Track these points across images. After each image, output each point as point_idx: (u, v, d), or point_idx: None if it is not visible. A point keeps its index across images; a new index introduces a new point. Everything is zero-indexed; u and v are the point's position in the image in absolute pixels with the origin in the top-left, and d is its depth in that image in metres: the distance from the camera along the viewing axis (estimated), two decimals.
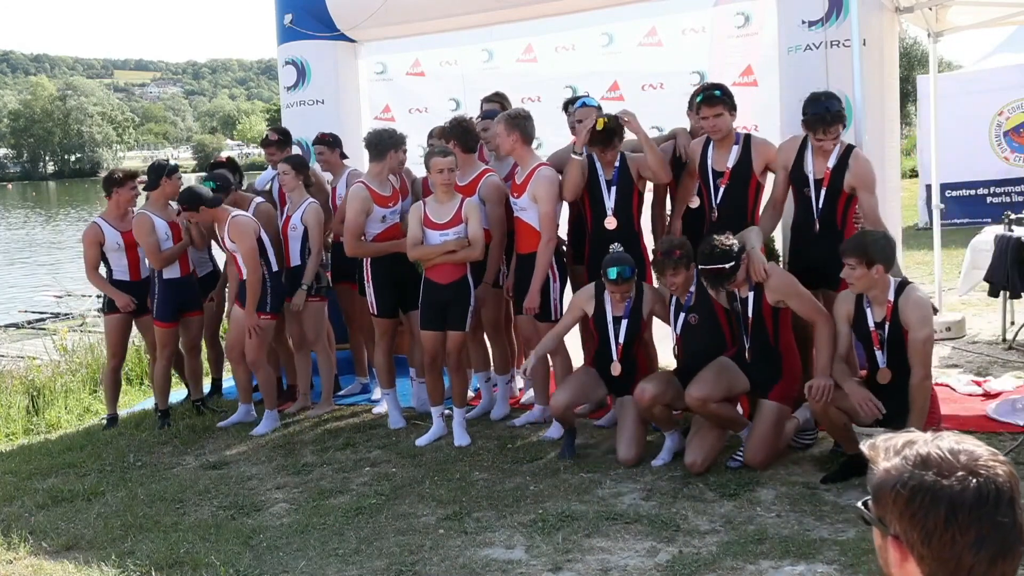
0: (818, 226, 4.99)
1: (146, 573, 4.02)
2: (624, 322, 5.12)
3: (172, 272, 6.35)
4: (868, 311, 4.49)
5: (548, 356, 5.77)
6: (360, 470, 5.23)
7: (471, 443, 5.51)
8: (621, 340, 5.13)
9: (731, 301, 4.86)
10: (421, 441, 5.60)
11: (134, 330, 6.77)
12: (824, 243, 4.94)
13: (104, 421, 6.73)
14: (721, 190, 5.23)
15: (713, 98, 5.10)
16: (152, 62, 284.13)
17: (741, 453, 4.80)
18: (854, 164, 4.89)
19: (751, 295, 4.75)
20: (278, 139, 6.93)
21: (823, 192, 4.96)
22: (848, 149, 4.95)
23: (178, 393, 7.23)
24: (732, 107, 5.16)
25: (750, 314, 4.75)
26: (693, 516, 4.21)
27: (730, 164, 5.21)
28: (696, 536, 3.98)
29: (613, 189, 5.43)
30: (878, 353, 4.49)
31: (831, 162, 4.92)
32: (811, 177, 4.99)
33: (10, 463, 5.99)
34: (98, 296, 12.14)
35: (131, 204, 6.52)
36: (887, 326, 4.43)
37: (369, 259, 5.96)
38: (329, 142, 6.58)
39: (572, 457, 5.10)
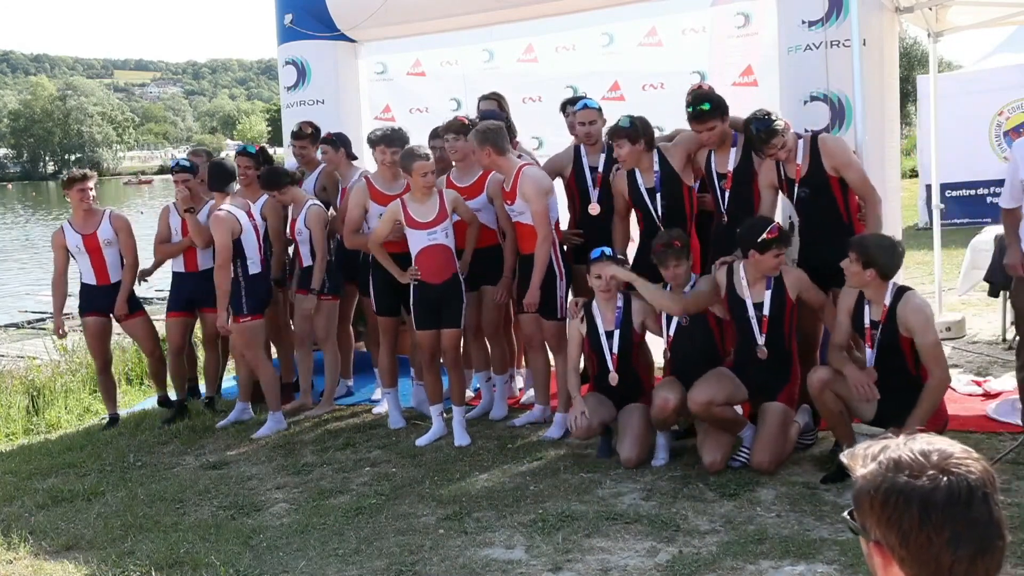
0: (819, 223, 4.98)
1: (146, 573, 4.02)
2: (616, 333, 5.11)
3: (177, 266, 6.67)
4: (867, 308, 4.52)
5: (550, 355, 5.78)
6: (360, 470, 5.23)
7: (471, 443, 5.50)
8: (615, 351, 5.12)
9: (734, 307, 4.84)
10: (421, 441, 5.60)
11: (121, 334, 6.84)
12: (825, 239, 4.93)
13: (104, 420, 6.73)
14: (727, 193, 5.21)
15: (702, 114, 5.02)
16: (152, 62, 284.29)
17: (741, 453, 4.80)
18: (823, 147, 4.90)
19: (769, 293, 4.76)
20: (312, 131, 6.75)
21: (801, 187, 4.94)
22: (814, 138, 4.96)
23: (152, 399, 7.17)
24: (723, 113, 5.05)
25: (766, 312, 4.75)
26: (693, 516, 4.20)
27: (731, 167, 5.20)
28: (696, 536, 3.98)
29: (658, 196, 5.28)
30: (868, 351, 4.54)
31: (799, 158, 4.92)
32: (794, 178, 4.98)
33: (10, 463, 5.99)
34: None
35: (84, 205, 6.43)
36: (881, 327, 4.46)
37: (372, 258, 5.95)
38: (333, 141, 6.47)
39: (609, 456, 5.10)
